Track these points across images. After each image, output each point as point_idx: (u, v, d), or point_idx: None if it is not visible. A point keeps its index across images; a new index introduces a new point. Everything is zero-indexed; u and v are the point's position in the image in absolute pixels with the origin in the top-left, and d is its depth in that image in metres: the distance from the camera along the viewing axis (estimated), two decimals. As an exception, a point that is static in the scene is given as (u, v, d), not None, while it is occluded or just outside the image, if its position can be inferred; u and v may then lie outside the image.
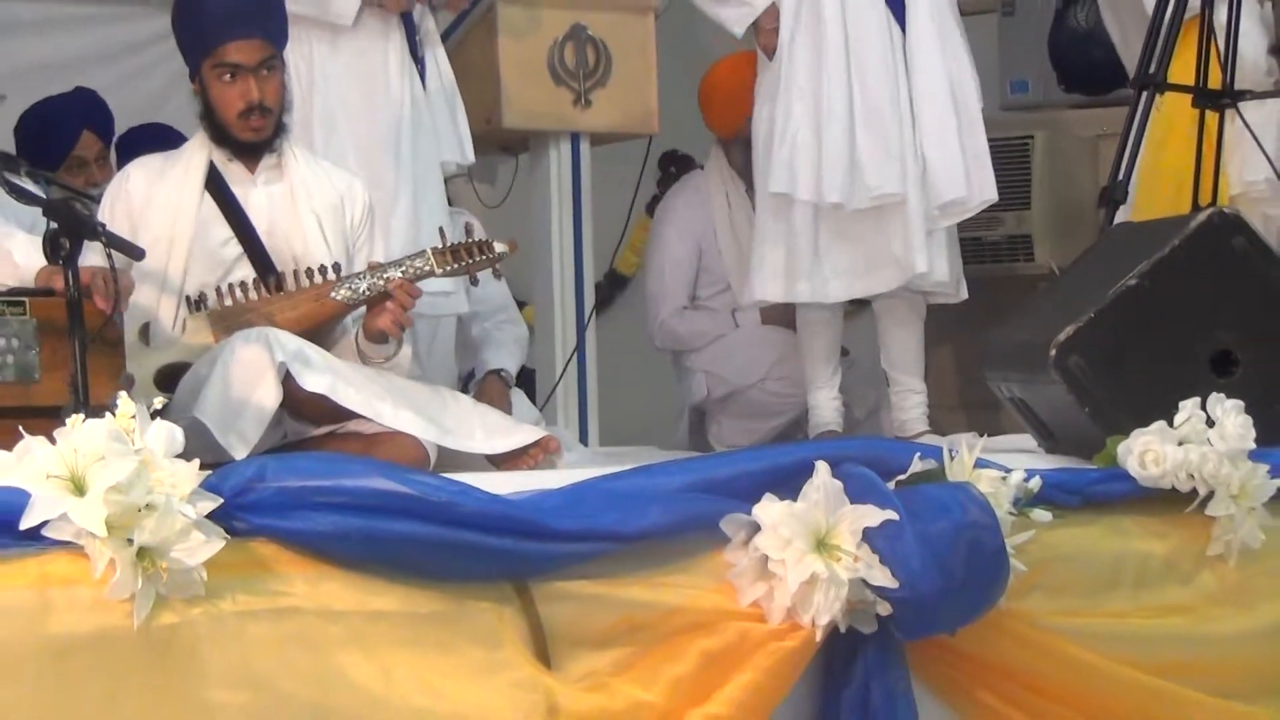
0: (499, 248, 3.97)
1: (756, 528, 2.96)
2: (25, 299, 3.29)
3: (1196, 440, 3.42)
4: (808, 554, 2.92)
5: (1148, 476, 3.40)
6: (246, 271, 3.93)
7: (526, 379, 5.52)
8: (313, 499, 2.67)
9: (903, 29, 4.69)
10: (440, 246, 3.92)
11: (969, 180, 4.67)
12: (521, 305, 5.55)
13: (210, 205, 3.96)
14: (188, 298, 3.88)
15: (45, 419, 2.66)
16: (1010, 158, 5.91)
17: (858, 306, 5.21)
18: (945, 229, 4.74)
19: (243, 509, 2.63)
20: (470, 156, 4.82)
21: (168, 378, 3.78)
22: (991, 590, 3.08)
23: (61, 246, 3.15)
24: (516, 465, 3.79)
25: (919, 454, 3.18)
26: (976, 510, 3.05)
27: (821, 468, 2.98)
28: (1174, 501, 3.44)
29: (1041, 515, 3.23)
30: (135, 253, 3.40)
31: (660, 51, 5.52)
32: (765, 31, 4.79)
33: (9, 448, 2.54)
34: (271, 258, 3.95)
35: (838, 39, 4.67)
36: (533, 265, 5.47)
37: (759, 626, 2.95)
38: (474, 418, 3.84)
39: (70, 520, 2.47)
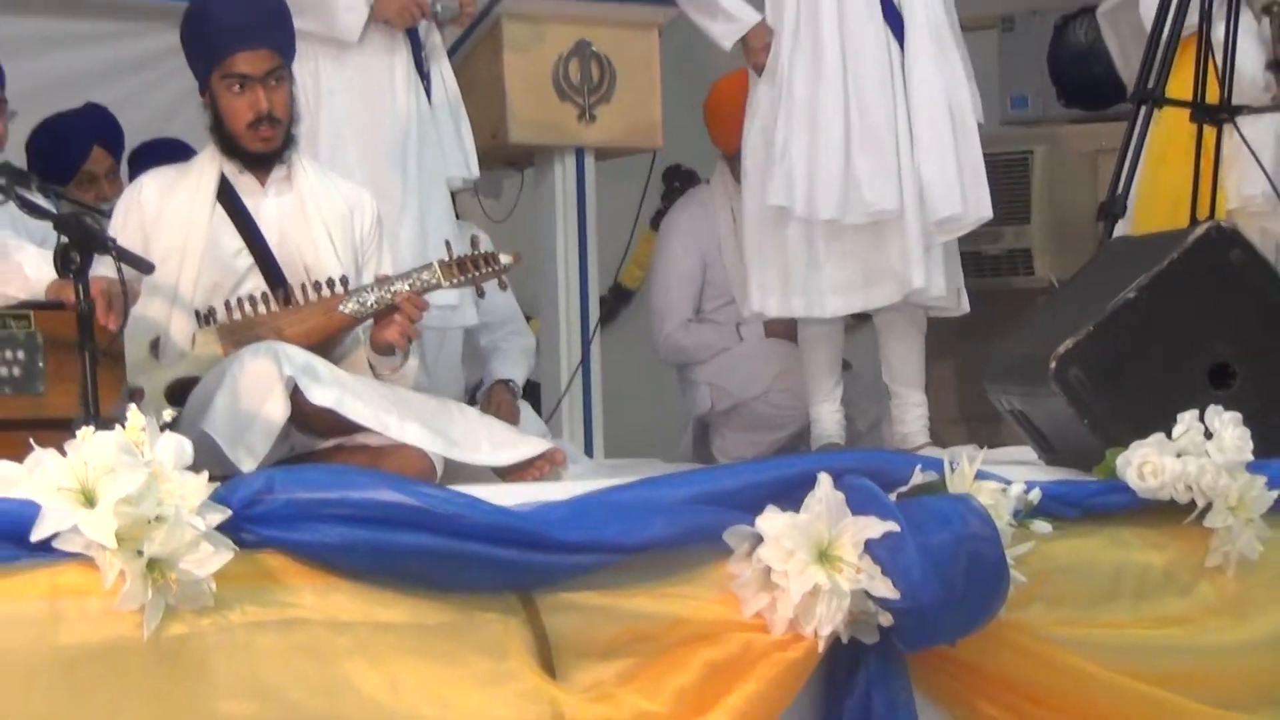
0: (504, 259, 3.99)
1: (759, 539, 2.97)
2: (30, 312, 3.28)
3: (1195, 452, 3.43)
4: (810, 565, 2.93)
5: (1146, 488, 3.42)
6: (257, 282, 3.95)
7: (531, 392, 5.51)
8: (320, 511, 2.67)
9: (901, 46, 4.68)
10: (447, 259, 3.94)
11: (964, 197, 4.65)
12: (527, 319, 5.56)
13: (222, 216, 3.98)
14: (197, 312, 3.89)
15: (53, 431, 2.66)
16: (1010, 172, 5.93)
17: (859, 320, 5.19)
18: (944, 243, 4.74)
19: (251, 521, 2.64)
20: (475, 171, 4.83)
21: (178, 391, 3.79)
22: (992, 601, 3.09)
23: (72, 260, 3.14)
24: (522, 477, 3.80)
25: (920, 466, 3.19)
26: (977, 522, 3.07)
27: (824, 480, 2.99)
28: (1173, 513, 3.45)
29: (1041, 527, 3.25)
30: (145, 267, 3.38)
31: (664, 67, 5.51)
32: (754, 50, 4.79)
33: (18, 459, 2.54)
34: (282, 268, 3.97)
35: (835, 56, 4.66)
36: (538, 279, 5.47)
37: (762, 637, 2.95)
38: (480, 430, 3.86)
39: (80, 532, 2.48)
